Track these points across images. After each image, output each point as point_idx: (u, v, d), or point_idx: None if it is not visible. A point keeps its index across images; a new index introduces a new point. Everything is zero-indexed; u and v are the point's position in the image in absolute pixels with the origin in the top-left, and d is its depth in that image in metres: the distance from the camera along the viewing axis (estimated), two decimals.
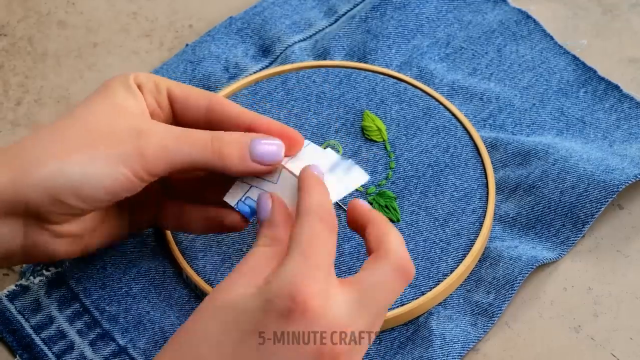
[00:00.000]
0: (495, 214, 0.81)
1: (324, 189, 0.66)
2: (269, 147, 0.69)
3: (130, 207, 0.74)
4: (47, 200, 0.66)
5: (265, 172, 0.70)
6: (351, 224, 0.68)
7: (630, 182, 0.80)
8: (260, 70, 0.89)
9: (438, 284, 0.76)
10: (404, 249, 0.64)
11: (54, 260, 0.72)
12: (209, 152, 0.68)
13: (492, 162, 0.83)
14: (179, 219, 0.74)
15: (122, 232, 0.74)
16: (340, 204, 0.79)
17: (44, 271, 0.78)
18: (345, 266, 0.77)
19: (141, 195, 0.71)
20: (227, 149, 0.68)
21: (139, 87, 0.71)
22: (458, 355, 0.74)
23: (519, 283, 0.76)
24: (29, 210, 0.67)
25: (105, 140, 0.67)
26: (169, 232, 0.78)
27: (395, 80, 0.86)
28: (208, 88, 0.87)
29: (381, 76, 0.86)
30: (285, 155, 0.70)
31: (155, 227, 0.78)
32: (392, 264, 0.63)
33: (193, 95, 0.72)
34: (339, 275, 0.76)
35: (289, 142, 0.71)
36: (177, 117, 0.72)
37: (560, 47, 0.90)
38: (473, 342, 0.75)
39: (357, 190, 0.80)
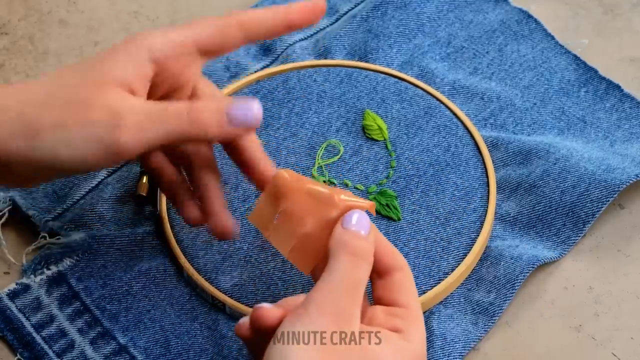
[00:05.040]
0: (496, 213, 0.81)
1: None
2: (246, 111, 0.68)
3: None
4: (23, 167, 0.66)
5: (244, 134, 0.70)
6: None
7: (631, 181, 0.79)
8: (262, 69, 0.89)
9: (439, 282, 0.76)
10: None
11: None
12: (186, 124, 0.67)
13: (493, 161, 0.83)
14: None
15: None
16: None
17: (45, 270, 0.78)
18: None
19: None
20: (204, 117, 0.67)
21: (163, 61, 0.69)
22: (459, 355, 0.74)
23: (519, 282, 0.76)
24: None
25: (79, 119, 0.65)
26: (169, 231, 0.78)
27: (396, 80, 0.86)
28: None
29: (382, 75, 0.86)
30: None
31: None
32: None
33: (226, 33, 0.71)
34: None
35: (308, 16, 0.72)
36: (215, 53, 0.72)
37: (561, 46, 0.90)
38: (474, 341, 0.75)
39: (358, 189, 0.80)
